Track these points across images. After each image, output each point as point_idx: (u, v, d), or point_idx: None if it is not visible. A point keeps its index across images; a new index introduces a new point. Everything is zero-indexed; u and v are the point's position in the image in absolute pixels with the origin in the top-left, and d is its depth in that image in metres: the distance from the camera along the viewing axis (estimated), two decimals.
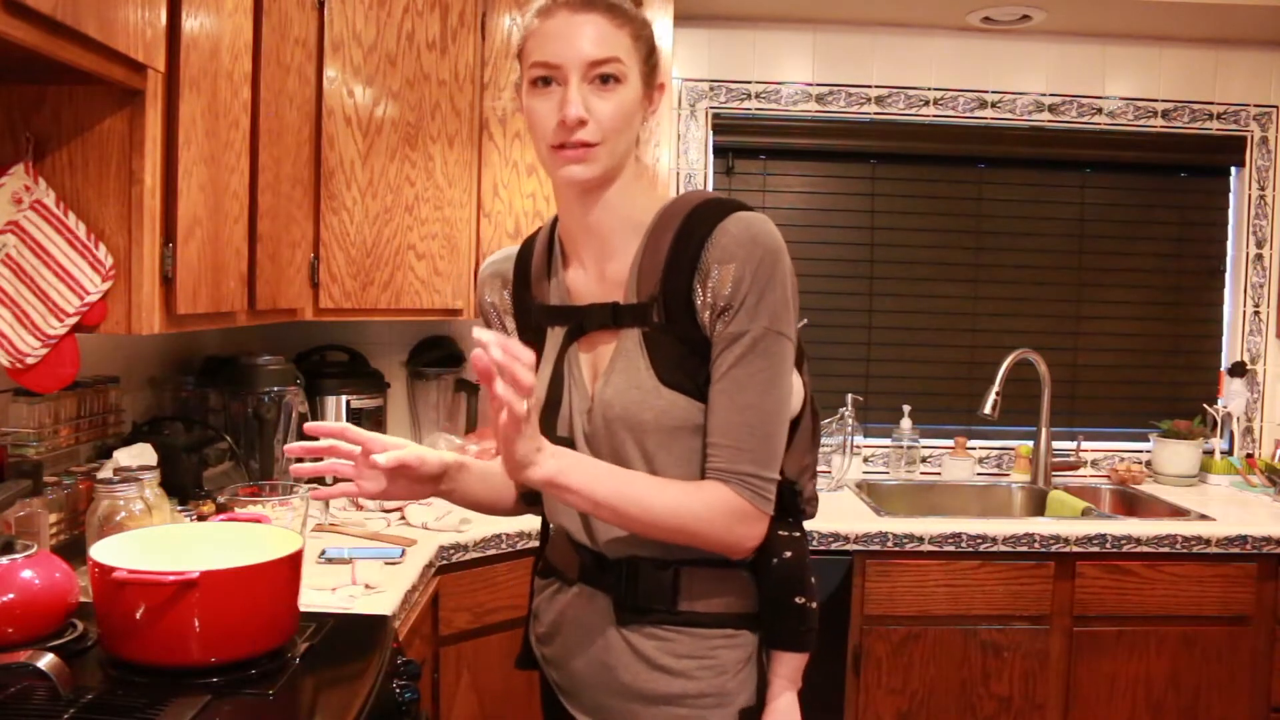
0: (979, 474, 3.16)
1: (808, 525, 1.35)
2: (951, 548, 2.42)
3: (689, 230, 1.20)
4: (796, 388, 1.36)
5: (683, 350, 1.20)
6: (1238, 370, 3.16)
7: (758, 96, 3.13)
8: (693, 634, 1.24)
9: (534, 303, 1.33)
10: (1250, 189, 3.22)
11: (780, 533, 1.29)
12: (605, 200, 1.24)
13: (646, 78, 1.23)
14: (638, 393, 1.20)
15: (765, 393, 1.19)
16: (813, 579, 1.30)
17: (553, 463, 1.13)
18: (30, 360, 1.47)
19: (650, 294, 1.21)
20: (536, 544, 2.29)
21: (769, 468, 1.20)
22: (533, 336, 1.33)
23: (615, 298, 1.25)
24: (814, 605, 1.29)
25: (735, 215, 1.19)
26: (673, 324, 1.20)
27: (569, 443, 1.25)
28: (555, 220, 1.35)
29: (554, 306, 1.31)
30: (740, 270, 1.16)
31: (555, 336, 1.30)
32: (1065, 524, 2.50)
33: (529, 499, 1.45)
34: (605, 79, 1.17)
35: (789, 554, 1.28)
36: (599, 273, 1.27)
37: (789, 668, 1.29)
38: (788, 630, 1.28)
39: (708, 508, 1.18)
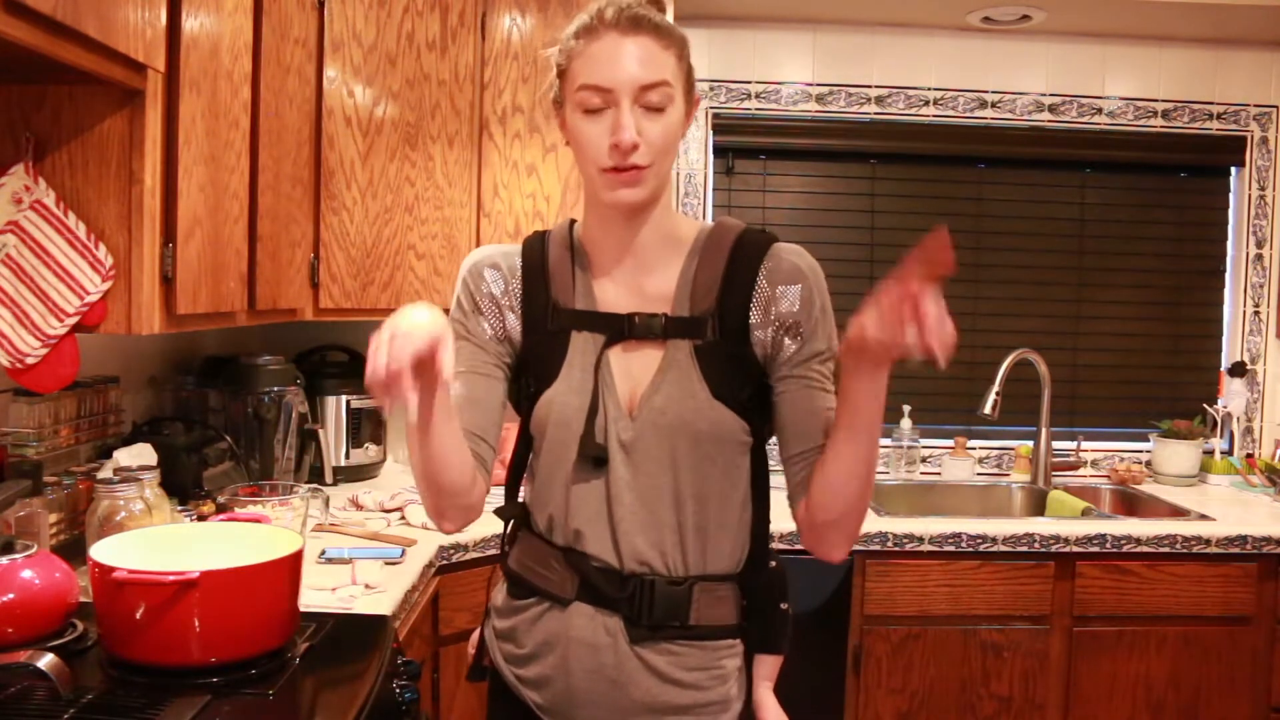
0: (979, 474, 3.16)
1: None
2: (951, 548, 2.42)
3: (743, 254, 1.26)
4: None
5: (731, 366, 1.24)
6: (1238, 370, 3.16)
7: (758, 96, 3.13)
8: (702, 646, 1.27)
9: (555, 305, 1.29)
10: (1250, 189, 3.22)
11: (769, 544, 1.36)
12: (649, 219, 1.26)
13: (686, 95, 1.24)
14: (693, 402, 1.22)
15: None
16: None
17: None
18: (30, 360, 1.47)
19: (704, 310, 1.24)
20: None
21: None
22: (543, 338, 1.29)
23: (657, 310, 1.26)
24: (790, 610, 1.37)
25: (782, 244, 1.27)
26: (725, 340, 1.24)
27: (604, 450, 1.23)
28: (570, 225, 1.34)
29: (588, 312, 1.28)
30: (808, 292, 1.24)
31: (584, 341, 1.27)
32: (1065, 524, 2.50)
33: (503, 513, 1.39)
34: (653, 104, 1.19)
35: (774, 563, 1.35)
36: (633, 285, 1.28)
37: (769, 669, 1.36)
38: (773, 634, 1.34)
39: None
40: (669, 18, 2.71)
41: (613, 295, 1.28)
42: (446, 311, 1.18)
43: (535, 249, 1.33)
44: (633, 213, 1.25)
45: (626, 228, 1.26)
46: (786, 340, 1.24)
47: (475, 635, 1.45)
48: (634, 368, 1.26)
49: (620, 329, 1.26)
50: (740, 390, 1.24)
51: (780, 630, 1.34)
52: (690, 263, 1.27)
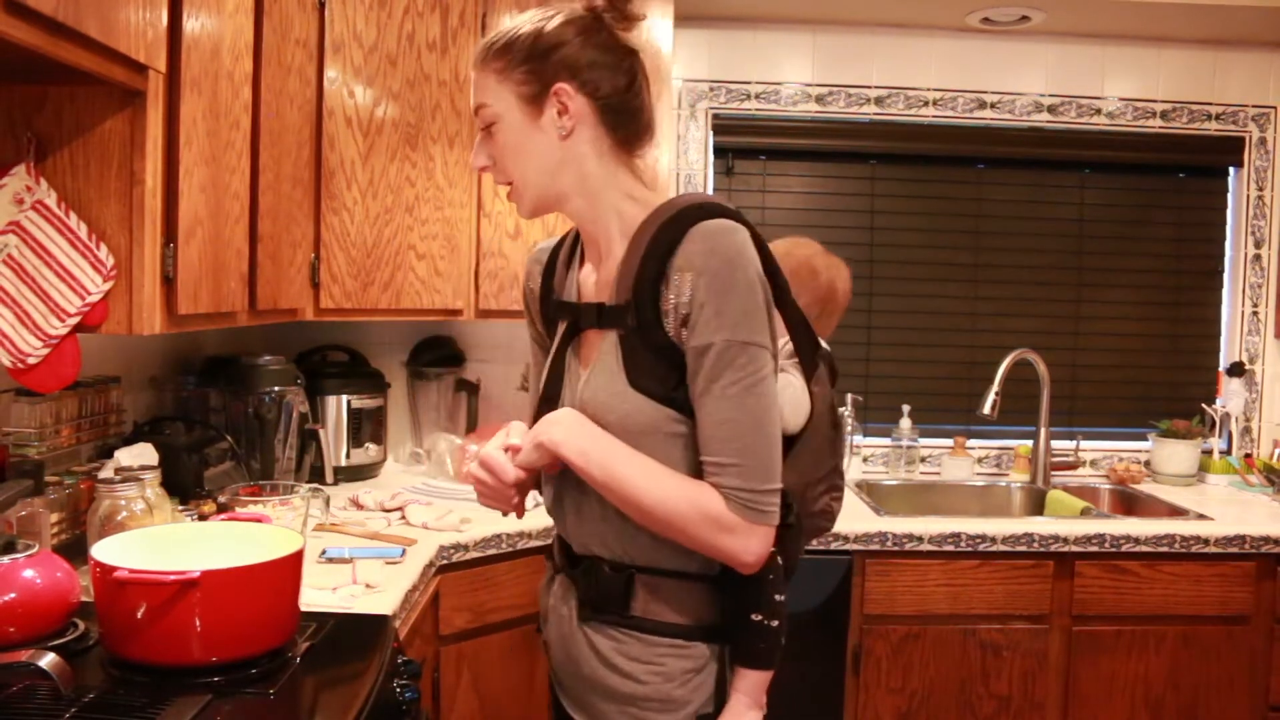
0: (978, 474, 3.16)
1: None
2: (951, 547, 2.42)
3: (662, 236, 1.19)
4: (800, 398, 1.36)
5: (651, 355, 1.20)
6: (1236, 370, 3.16)
7: (757, 97, 3.13)
8: (642, 639, 1.26)
9: (551, 296, 1.38)
10: (1248, 189, 3.22)
11: None
12: (577, 216, 1.30)
13: (531, 98, 1.23)
14: (606, 394, 1.23)
15: (739, 405, 1.16)
16: (777, 596, 1.25)
17: (557, 431, 1.24)
18: (32, 360, 1.48)
19: (625, 298, 1.22)
20: (536, 544, 2.30)
21: (756, 479, 1.17)
22: (546, 327, 1.39)
23: (605, 298, 1.28)
24: (774, 623, 1.25)
25: (704, 223, 1.17)
26: (643, 329, 1.21)
27: None
28: None
29: (561, 302, 1.35)
30: (695, 280, 1.16)
31: (560, 331, 1.34)
32: (1064, 524, 2.50)
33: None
34: (486, 127, 1.26)
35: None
36: (601, 275, 1.31)
37: (748, 684, 1.26)
38: (745, 646, 1.26)
39: (695, 510, 1.17)
40: (670, 18, 2.70)
41: (590, 284, 1.33)
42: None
43: (561, 243, 1.41)
44: (561, 215, 1.35)
45: (575, 224, 1.33)
46: (685, 332, 1.18)
47: None
48: (586, 358, 1.30)
49: (576, 320, 1.31)
50: (665, 379, 1.20)
51: (747, 641, 1.25)
52: (628, 248, 1.24)
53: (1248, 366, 3.22)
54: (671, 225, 1.19)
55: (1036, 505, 2.98)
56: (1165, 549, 2.45)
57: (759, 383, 1.17)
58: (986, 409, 2.88)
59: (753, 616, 1.25)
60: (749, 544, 1.18)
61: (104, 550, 1.30)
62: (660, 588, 1.25)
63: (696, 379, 1.18)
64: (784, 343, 1.29)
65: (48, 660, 1.16)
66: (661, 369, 1.20)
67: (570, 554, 1.33)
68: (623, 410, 1.21)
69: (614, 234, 1.27)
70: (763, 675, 1.27)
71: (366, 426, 2.78)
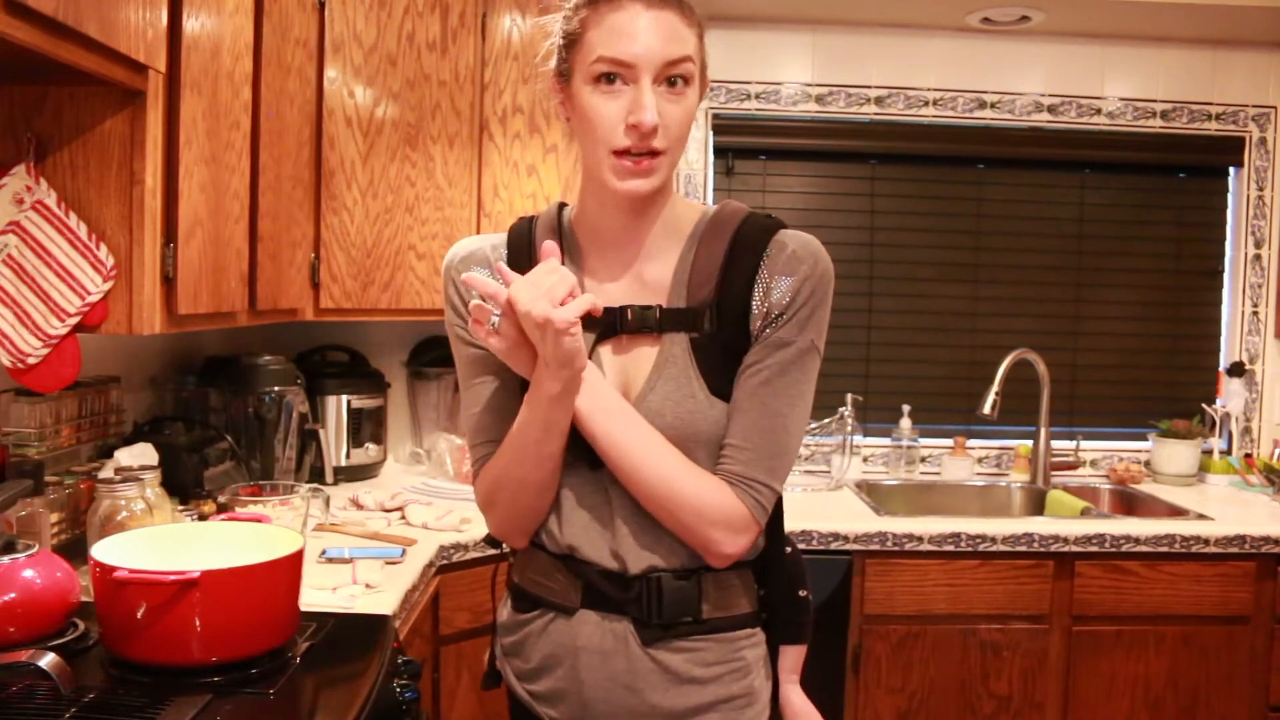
0: (978, 474, 3.16)
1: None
2: (951, 547, 2.42)
3: (745, 240, 1.19)
4: None
5: (730, 360, 1.19)
6: (1236, 370, 3.16)
7: (758, 97, 3.13)
8: (719, 639, 1.23)
9: None
10: (1248, 189, 3.22)
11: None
12: (652, 209, 1.21)
13: (704, 69, 1.19)
14: (692, 403, 1.18)
15: (795, 405, 1.19)
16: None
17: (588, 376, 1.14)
18: (32, 360, 1.48)
19: (702, 300, 1.19)
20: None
21: (777, 480, 1.20)
22: None
23: (653, 301, 1.22)
24: (810, 597, 1.32)
25: (789, 231, 1.22)
26: (723, 331, 1.19)
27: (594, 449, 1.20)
28: (559, 212, 1.29)
29: None
30: (800, 282, 1.18)
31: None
32: (1064, 524, 2.50)
33: (492, 542, 1.39)
34: (674, 81, 1.12)
35: (789, 549, 1.31)
36: (630, 276, 1.23)
37: (794, 661, 1.31)
38: (795, 623, 1.30)
39: (701, 500, 1.16)
40: None
41: (608, 287, 1.24)
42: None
43: (522, 239, 1.27)
44: (639, 202, 1.19)
45: (630, 217, 1.21)
46: (768, 331, 1.18)
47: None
48: (628, 364, 1.22)
49: (613, 323, 1.21)
50: (732, 380, 1.19)
51: (802, 619, 1.30)
52: (689, 250, 1.22)
53: (1248, 366, 3.22)
54: (751, 230, 1.20)
55: (1036, 505, 2.98)
56: (1165, 549, 2.45)
57: (810, 391, 1.21)
58: (986, 409, 2.88)
59: (800, 593, 1.29)
60: (742, 541, 1.19)
61: (104, 550, 1.30)
62: (723, 582, 1.23)
63: (762, 366, 1.18)
64: None
65: (48, 660, 1.16)
66: (733, 371, 1.19)
67: (617, 580, 1.22)
68: (712, 418, 1.18)
69: (666, 234, 1.22)
70: (804, 650, 1.31)
71: (366, 426, 2.78)
